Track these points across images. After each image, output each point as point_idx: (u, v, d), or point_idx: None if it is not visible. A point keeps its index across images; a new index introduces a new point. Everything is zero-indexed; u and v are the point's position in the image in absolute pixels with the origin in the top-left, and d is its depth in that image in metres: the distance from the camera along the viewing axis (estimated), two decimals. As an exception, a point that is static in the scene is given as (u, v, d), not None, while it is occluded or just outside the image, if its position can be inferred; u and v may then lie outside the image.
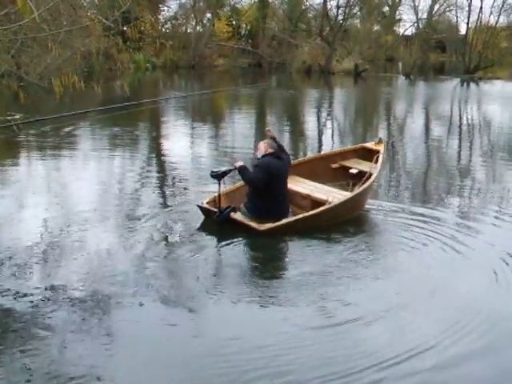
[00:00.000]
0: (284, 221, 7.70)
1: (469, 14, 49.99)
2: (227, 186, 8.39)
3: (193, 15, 45.54)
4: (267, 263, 6.90)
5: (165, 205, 9.05)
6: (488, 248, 7.50)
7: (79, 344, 4.89)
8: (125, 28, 19.34)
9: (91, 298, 5.69)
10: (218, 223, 7.74)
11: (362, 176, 9.05)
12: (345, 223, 8.10)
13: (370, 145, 10.32)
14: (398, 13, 58.22)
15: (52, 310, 5.41)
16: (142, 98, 21.68)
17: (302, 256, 7.01)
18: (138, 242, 7.20)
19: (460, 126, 20.88)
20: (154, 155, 13.59)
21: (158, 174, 11.44)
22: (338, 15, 46.49)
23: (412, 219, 8.45)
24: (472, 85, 40.21)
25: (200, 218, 8.11)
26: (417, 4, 55.13)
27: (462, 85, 40.21)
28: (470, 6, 49.80)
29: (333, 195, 8.45)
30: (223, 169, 8.02)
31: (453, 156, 14.81)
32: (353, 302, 5.81)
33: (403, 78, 45.08)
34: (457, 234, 7.90)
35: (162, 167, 12.19)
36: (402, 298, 5.98)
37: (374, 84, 39.00)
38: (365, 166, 9.52)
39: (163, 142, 15.77)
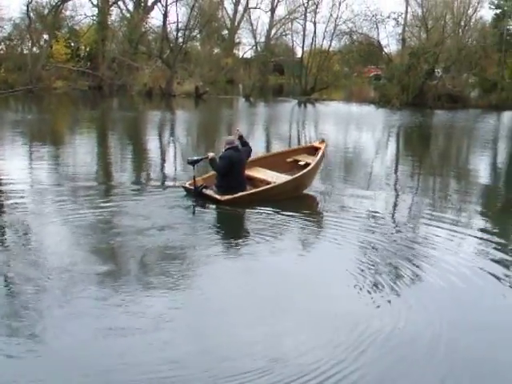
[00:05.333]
0: (238, 194, 10.17)
1: (304, 39, 52.44)
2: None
3: (28, 36, 44.13)
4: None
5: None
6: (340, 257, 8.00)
7: None
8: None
9: None
10: (194, 196, 10.35)
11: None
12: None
13: (316, 144, 13.00)
14: (237, 36, 59.59)
15: None
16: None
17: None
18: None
19: (298, 145, 21.64)
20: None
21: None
22: (177, 38, 46.82)
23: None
24: (309, 106, 42.02)
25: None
26: (255, 28, 56.88)
27: (299, 106, 41.88)
28: (304, 30, 52.31)
29: (279, 179, 11.10)
30: (195, 158, 10.76)
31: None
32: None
33: (243, 99, 46.23)
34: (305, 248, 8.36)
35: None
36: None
37: (215, 106, 39.63)
38: (309, 159, 12.15)
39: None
